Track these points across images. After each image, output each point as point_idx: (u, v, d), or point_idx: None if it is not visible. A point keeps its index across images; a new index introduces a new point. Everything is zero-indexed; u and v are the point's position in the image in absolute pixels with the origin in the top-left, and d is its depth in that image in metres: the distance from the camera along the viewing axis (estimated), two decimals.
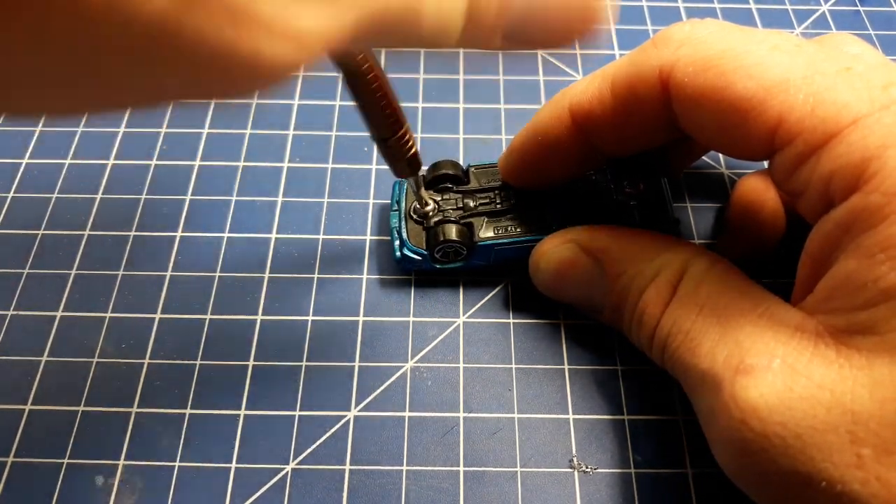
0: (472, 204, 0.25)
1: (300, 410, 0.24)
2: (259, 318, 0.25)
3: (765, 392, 0.16)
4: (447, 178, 0.26)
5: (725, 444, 0.18)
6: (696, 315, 0.19)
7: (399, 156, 0.22)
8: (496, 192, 0.26)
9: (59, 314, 0.26)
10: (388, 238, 0.27)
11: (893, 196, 0.15)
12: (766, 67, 0.18)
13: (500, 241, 0.25)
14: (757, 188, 0.25)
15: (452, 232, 0.24)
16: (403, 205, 0.26)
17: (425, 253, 0.25)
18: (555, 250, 0.23)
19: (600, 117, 0.21)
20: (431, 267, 0.26)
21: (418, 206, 0.25)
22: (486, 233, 0.25)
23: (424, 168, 0.25)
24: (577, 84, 0.22)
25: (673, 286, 0.20)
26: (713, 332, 0.19)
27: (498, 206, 0.25)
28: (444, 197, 0.26)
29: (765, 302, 0.19)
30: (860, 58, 0.18)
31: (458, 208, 0.25)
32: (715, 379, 0.18)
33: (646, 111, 0.20)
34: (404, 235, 0.25)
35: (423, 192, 0.25)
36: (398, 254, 0.25)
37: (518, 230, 0.25)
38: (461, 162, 0.30)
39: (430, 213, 0.25)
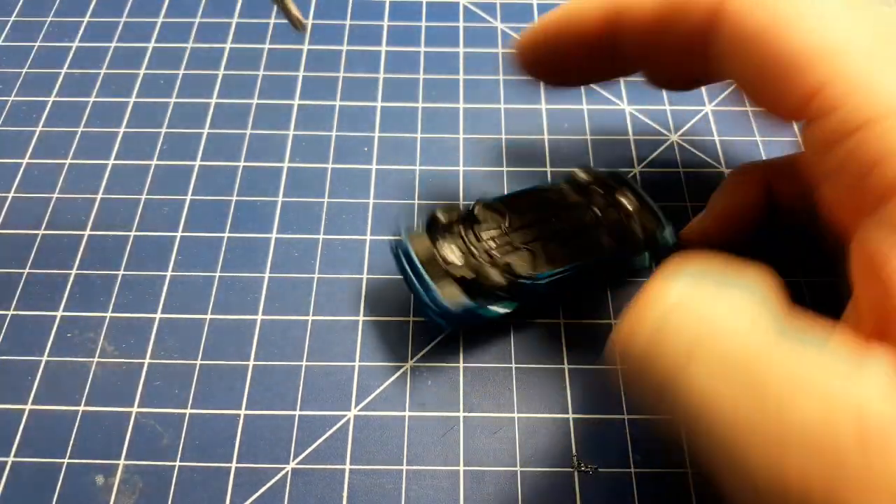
0: (516, 239, 0.24)
1: (300, 410, 0.24)
2: (259, 318, 0.25)
3: None
4: (444, 227, 0.24)
5: None
6: None
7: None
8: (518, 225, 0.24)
9: (59, 314, 0.26)
10: (388, 238, 0.27)
11: None
12: (826, 24, 0.16)
13: (556, 272, 0.23)
14: (746, 168, 0.25)
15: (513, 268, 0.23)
16: (417, 263, 0.23)
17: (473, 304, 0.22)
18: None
19: (637, 21, 0.20)
20: (483, 316, 0.23)
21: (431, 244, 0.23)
22: (537, 268, 0.23)
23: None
24: None
25: None
26: None
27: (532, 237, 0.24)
28: (472, 240, 0.24)
29: None
30: None
31: (502, 245, 0.24)
32: None
33: (683, 33, 0.19)
34: (436, 295, 0.22)
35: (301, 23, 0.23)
36: (438, 319, 0.22)
37: (563, 255, 0.24)
38: (460, 162, 0.30)
39: (457, 262, 0.23)
